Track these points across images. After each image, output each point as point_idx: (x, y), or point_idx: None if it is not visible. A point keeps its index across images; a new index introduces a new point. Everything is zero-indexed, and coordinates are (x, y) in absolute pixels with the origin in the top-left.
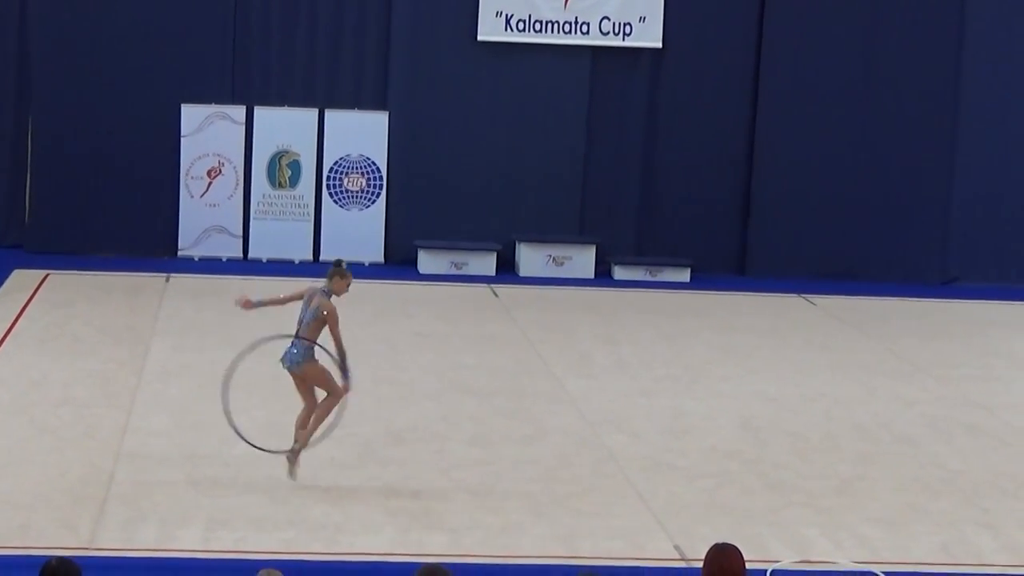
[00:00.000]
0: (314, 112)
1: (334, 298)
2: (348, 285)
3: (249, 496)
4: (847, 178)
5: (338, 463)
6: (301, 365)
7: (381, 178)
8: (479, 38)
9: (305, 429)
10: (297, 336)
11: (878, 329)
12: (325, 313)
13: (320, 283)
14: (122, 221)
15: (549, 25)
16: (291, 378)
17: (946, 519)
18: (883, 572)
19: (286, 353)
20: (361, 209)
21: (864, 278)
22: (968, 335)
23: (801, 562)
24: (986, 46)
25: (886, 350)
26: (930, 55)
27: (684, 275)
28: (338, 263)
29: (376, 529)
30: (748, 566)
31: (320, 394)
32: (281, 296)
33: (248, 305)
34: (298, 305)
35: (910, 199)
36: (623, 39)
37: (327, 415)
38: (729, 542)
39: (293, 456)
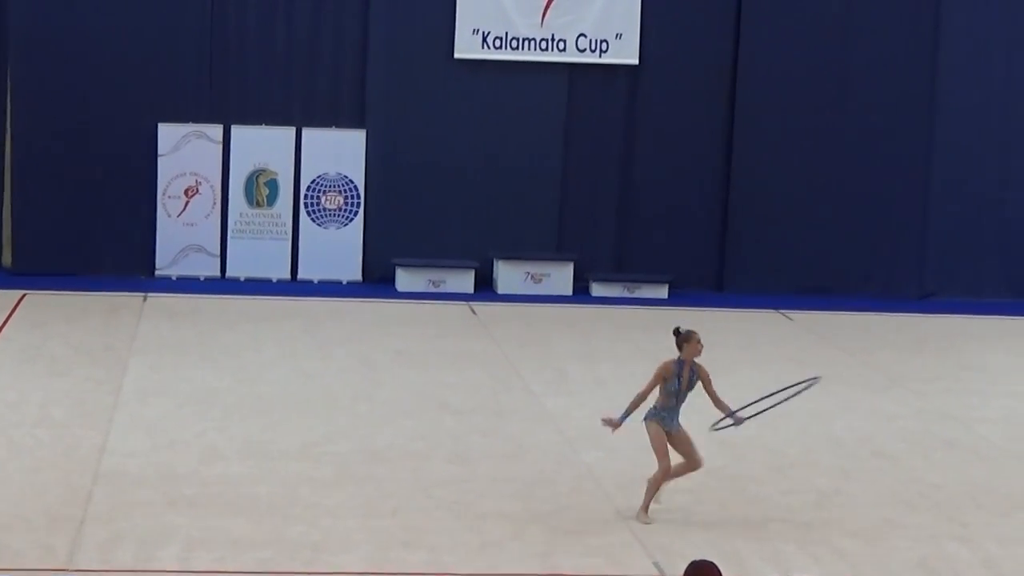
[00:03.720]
0: (291, 131)
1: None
2: (689, 345)
3: (227, 516)
4: (824, 194)
5: (316, 482)
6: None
7: (359, 196)
8: (456, 55)
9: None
10: (678, 404)
11: (855, 344)
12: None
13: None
14: (99, 241)
15: (526, 42)
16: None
17: (924, 533)
18: None
19: (665, 416)
20: (339, 227)
21: (841, 293)
22: (945, 349)
23: None
24: (961, 64)
25: (863, 364)
26: (906, 71)
27: (662, 291)
28: (676, 331)
29: (354, 548)
30: None
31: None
32: (638, 395)
33: (615, 425)
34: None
35: (887, 214)
36: (600, 56)
37: (663, 480)
38: (707, 558)
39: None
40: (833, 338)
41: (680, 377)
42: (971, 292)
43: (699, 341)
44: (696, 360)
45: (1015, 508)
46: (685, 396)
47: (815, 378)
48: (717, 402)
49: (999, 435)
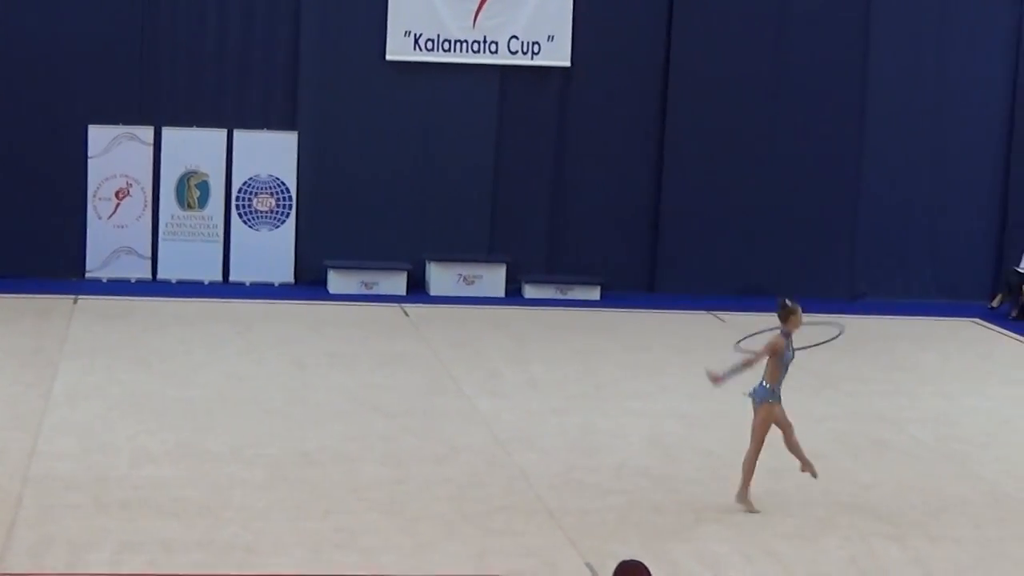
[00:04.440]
0: (223, 132)
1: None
2: (795, 317)
3: (158, 519)
4: (756, 195)
5: (248, 484)
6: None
7: (290, 198)
8: (388, 58)
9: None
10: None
11: None
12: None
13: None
14: (30, 243)
15: (458, 44)
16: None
17: (855, 533)
18: None
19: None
20: (270, 229)
21: (773, 294)
22: (876, 350)
23: None
24: (891, 67)
25: (795, 366)
26: (837, 74)
27: (594, 293)
28: (783, 304)
29: (287, 550)
30: None
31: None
32: (746, 360)
33: (718, 379)
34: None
35: (818, 216)
36: (531, 58)
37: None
38: (636, 559)
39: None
40: (764, 340)
41: (789, 349)
42: (901, 293)
43: (802, 315)
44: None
45: (945, 507)
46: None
47: (840, 332)
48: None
49: (929, 435)
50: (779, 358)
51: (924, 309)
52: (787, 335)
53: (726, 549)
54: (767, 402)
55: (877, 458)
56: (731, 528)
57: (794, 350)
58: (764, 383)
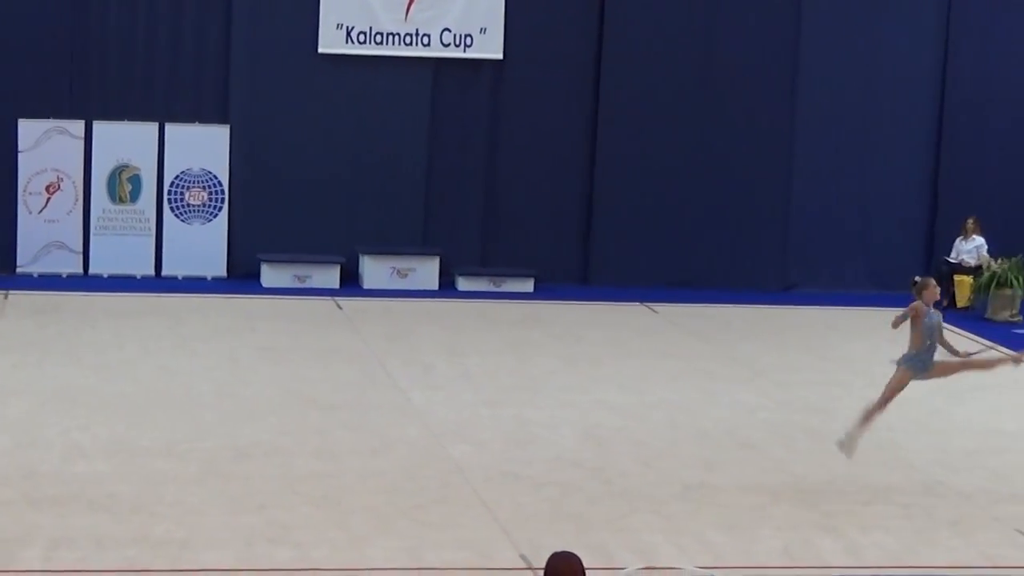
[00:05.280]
0: (154, 126)
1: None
2: (927, 291)
3: (90, 514)
4: (688, 187)
5: (181, 479)
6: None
7: (223, 192)
8: (320, 50)
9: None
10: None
11: (719, 336)
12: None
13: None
14: None
15: (390, 37)
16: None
17: (788, 522)
18: None
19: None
20: (203, 223)
21: (705, 286)
22: (807, 340)
23: (646, 568)
24: (821, 60)
25: (727, 356)
26: (768, 67)
27: (528, 285)
28: (914, 282)
29: (221, 545)
30: (594, 573)
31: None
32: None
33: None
34: None
35: (749, 208)
36: (464, 51)
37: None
38: (569, 550)
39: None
40: (697, 330)
41: (929, 316)
42: (833, 284)
43: (936, 286)
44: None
45: (876, 497)
46: (936, 339)
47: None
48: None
49: None
50: (922, 321)
51: (855, 300)
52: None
53: (659, 539)
54: (902, 366)
55: (809, 448)
56: (664, 519)
57: (938, 319)
58: (910, 349)
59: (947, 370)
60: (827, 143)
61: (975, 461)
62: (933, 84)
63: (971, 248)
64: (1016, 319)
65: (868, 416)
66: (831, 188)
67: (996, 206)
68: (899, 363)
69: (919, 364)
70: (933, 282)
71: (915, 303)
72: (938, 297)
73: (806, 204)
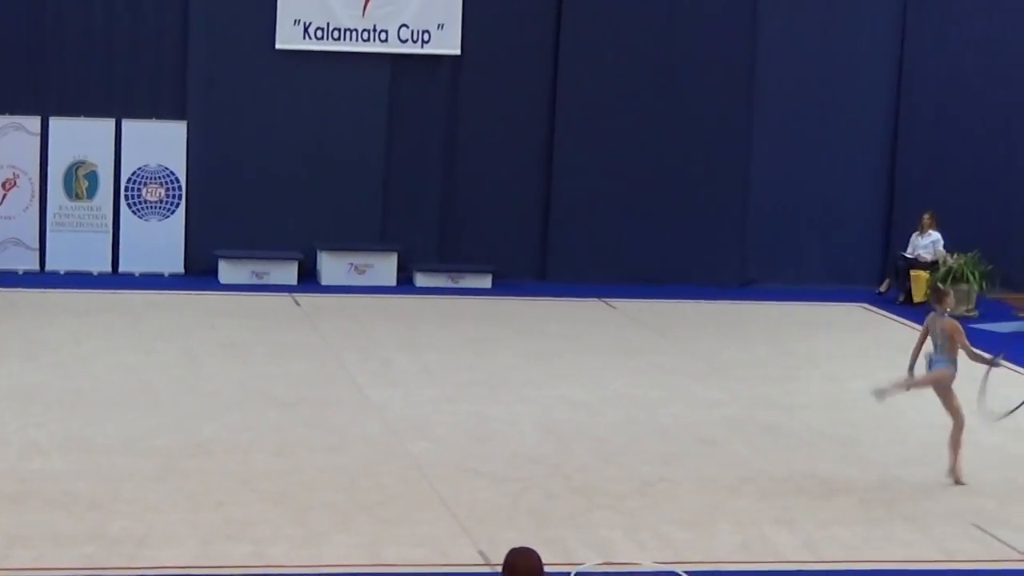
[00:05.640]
0: (111, 122)
1: (948, 314)
2: (947, 298)
3: (47, 512)
4: (646, 183)
5: (139, 476)
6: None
7: (180, 188)
8: (277, 46)
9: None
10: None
11: (678, 332)
12: (951, 330)
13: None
14: None
15: (348, 33)
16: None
17: (746, 518)
18: (685, 572)
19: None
20: (160, 219)
21: (664, 281)
22: (766, 336)
23: (604, 564)
24: (778, 56)
25: (686, 352)
26: (726, 62)
27: (486, 281)
28: (935, 288)
29: (179, 542)
30: (553, 569)
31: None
32: (913, 351)
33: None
34: None
35: (708, 203)
36: (422, 46)
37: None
38: (527, 546)
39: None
40: (656, 326)
41: (938, 325)
42: (791, 279)
43: (949, 295)
44: (943, 316)
45: (835, 491)
46: (943, 349)
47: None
48: (972, 355)
49: (819, 420)
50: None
51: (813, 295)
52: (941, 314)
53: (618, 535)
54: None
55: (768, 443)
56: (623, 514)
57: (941, 324)
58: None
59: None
60: (785, 139)
61: (932, 455)
62: (890, 80)
63: (927, 243)
64: (972, 314)
65: (954, 441)
66: (789, 183)
67: (952, 202)
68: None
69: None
70: (950, 291)
71: (926, 322)
72: (946, 304)
73: (764, 200)
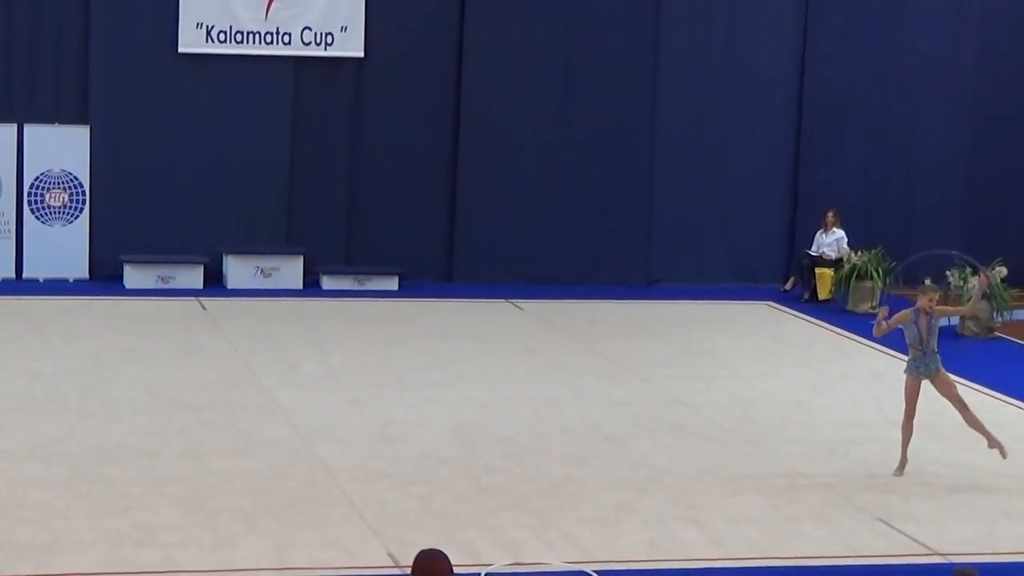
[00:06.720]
0: (12, 127)
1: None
2: (930, 298)
3: None
4: (551, 184)
5: (45, 482)
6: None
7: (84, 193)
8: (180, 50)
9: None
10: (924, 352)
11: (584, 331)
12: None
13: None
14: None
15: (251, 36)
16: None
17: (654, 516)
18: (594, 571)
19: (918, 366)
20: (64, 225)
21: (570, 281)
22: (671, 335)
23: (513, 564)
24: (681, 54)
25: (592, 352)
26: (629, 64)
27: (392, 283)
28: (923, 284)
29: (86, 548)
30: (462, 571)
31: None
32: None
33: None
34: None
35: (613, 203)
36: (325, 49)
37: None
38: (436, 548)
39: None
40: (562, 326)
41: (917, 325)
42: (696, 278)
43: (932, 291)
44: (928, 307)
45: (741, 489)
46: (930, 343)
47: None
48: (961, 309)
49: (725, 418)
50: (906, 329)
51: (718, 293)
52: (916, 312)
53: (526, 535)
54: (905, 372)
55: (674, 441)
56: (531, 515)
57: (930, 327)
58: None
59: (944, 386)
60: (688, 138)
61: (837, 452)
62: (792, 79)
63: (831, 241)
64: (876, 311)
65: (905, 434)
66: (693, 183)
67: (855, 199)
68: (905, 372)
69: (918, 368)
70: (931, 288)
71: (901, 313)
72: (928, 304)
73: (668, 199)
